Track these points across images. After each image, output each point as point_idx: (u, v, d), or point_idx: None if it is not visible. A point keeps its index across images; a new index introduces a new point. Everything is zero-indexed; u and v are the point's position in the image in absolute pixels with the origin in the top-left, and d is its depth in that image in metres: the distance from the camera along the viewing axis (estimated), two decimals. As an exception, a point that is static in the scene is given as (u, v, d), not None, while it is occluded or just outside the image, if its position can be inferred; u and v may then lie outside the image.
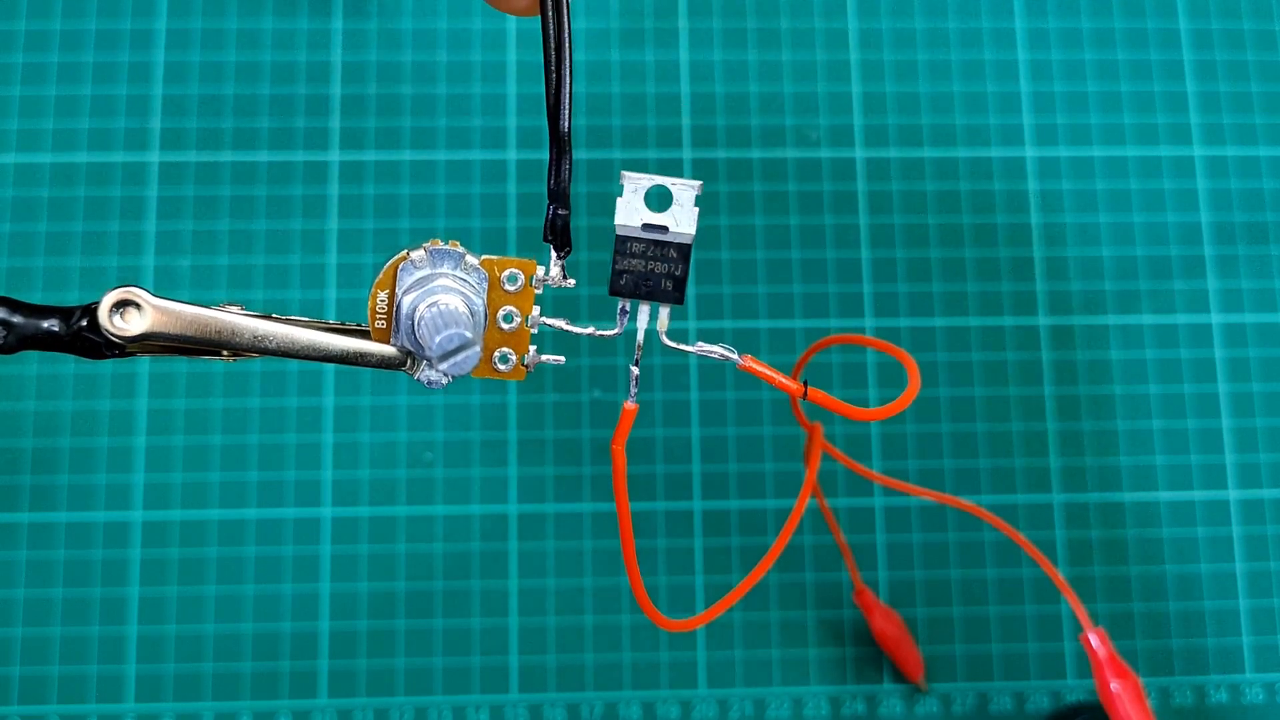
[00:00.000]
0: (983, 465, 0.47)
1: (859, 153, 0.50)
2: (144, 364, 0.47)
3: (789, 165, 0.49)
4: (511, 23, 0.50)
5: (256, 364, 0.47)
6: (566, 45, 0.25)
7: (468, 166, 0.49)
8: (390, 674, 0.45)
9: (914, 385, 0.27)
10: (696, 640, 0.46)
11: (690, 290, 0.48)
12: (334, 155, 0.49)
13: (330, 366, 0.47)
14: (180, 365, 0.47)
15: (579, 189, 0.49)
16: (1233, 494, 0.47)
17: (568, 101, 0.25)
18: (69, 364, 0.47)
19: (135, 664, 0.45)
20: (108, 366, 0.47)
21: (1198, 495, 0.47)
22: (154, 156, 0.48)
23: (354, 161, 0.49)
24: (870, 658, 0.46)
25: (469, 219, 0.48)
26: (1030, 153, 0.50)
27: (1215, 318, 0.49)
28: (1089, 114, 0.50)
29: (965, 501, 0.43)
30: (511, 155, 0.49)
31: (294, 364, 0.47)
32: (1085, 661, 0.46)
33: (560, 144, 0.25)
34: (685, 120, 0.50)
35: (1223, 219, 0.50)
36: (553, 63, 0.25)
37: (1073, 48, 0.51)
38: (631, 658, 0.46)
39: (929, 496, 0.45)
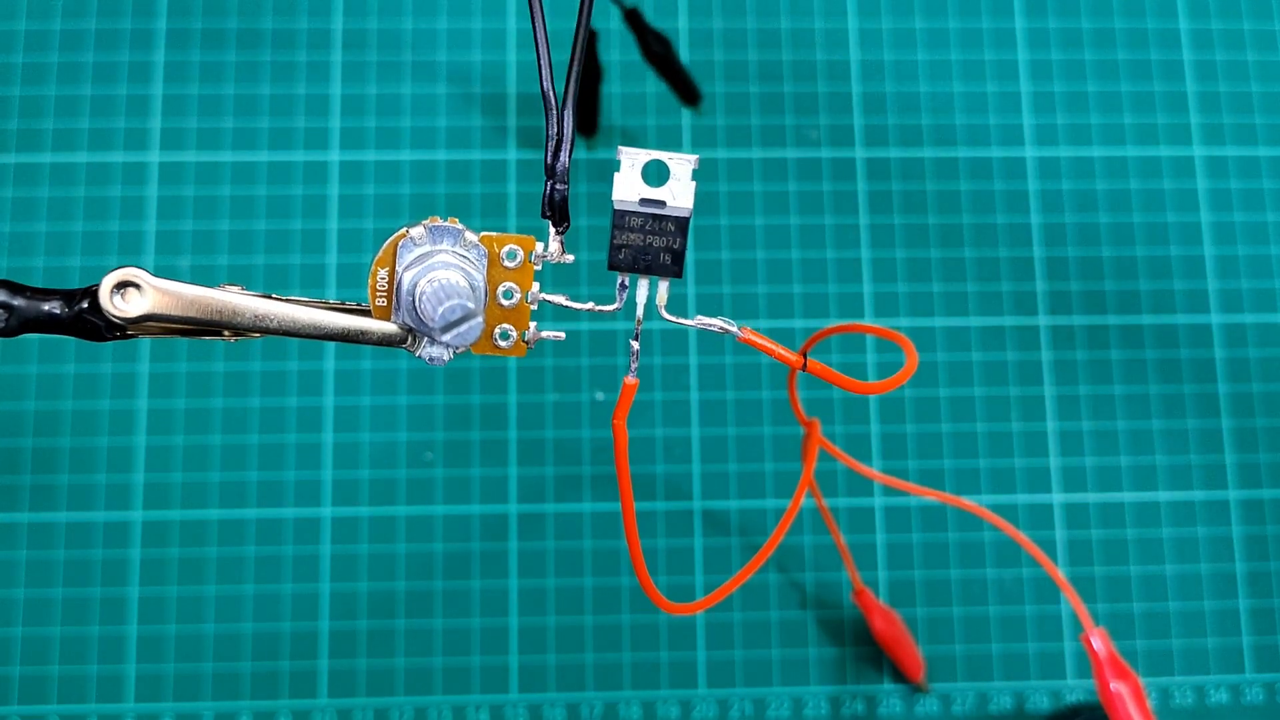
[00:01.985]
0: (982, 465, 0.47)
1: (859, 153, 0.50)
2: (144, 364, 0.47)
3: (789, 165, 0.49)
4: (512, 23, 0.50)
5: (256, 363, 0.47)
6: (539, 28, 0.25)
7: (468, 166, 0.49)
8: (390, 674, 0.45)
9: (911, 362, 0.27)
10: (696, 640, 0.46)
11: (690, 290, 0.48)
12: (334, 155, 0.49)
13: (330, 367, 0.47)
14: (180, 365, 0.47)
15: (579, 189, 0.49)
16: (1233, 494, 0.47)
17: (547, 72, 0.25)
18: (69, 364, 0.47)
19: (135, 664, 0.45)
20: (108, 366, 0.47)
21: (1197, 495, 0.47)
22: (154, 157, 0.48)
23: (354, 161, 0.49)
24: (870, 657, 0.46)
25: (469, 218, 0.47)
26: (1030, 153, 0.50)
27: (1215, 318, 0.49)
28: (1089, 114, 0.50)
29: (964, 500, 0.43)
30: (511, 155, 0.49)
31: (294, 364, 0.47)
32: (1085, 661, 0.46)
33: (558, 121, 0.25)
34: (686, 120, 0.50)
35: (1223, 219, 0.50)
36: (542, 43, 0.25)
37: (1073, 48, 0.51)
38: (631, 657, 0.46)
39: (927, 495, 0.45)
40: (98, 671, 0.45)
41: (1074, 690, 0.46)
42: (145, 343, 0.47)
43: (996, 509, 0.47)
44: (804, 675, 0.46)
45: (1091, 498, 0.47)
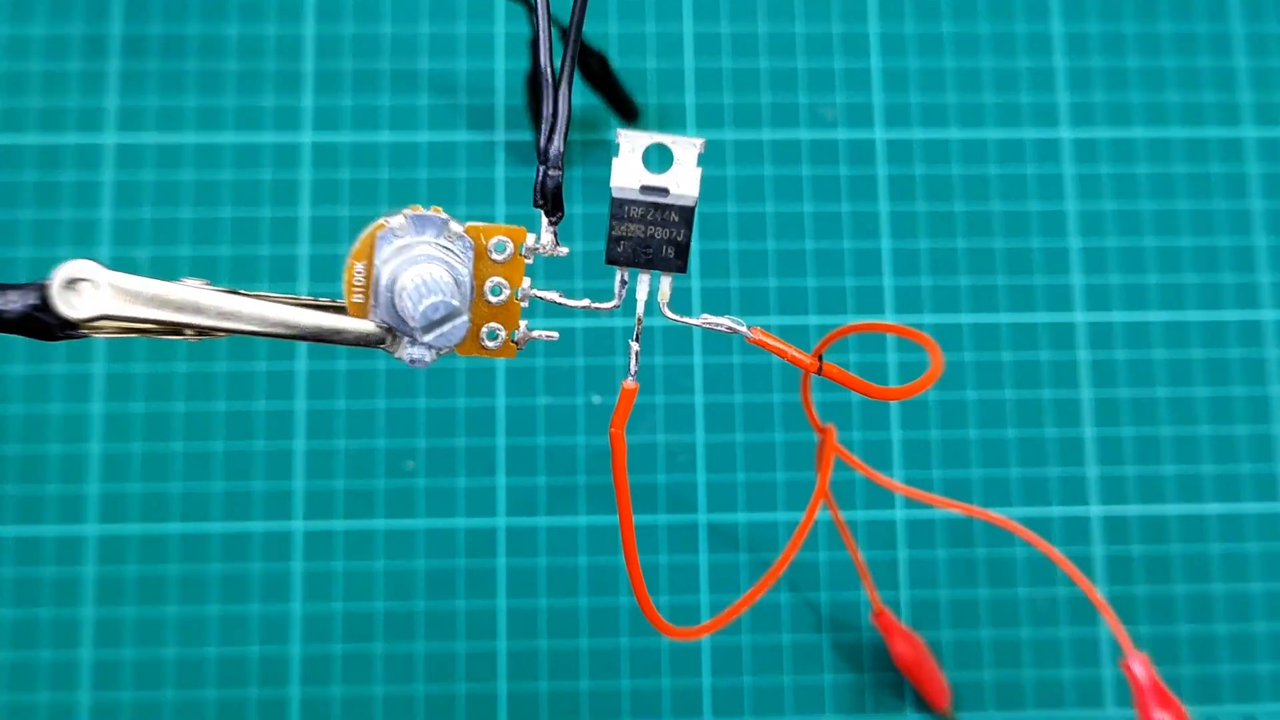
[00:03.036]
0: (1014, 475, 0.45)
1: (879, 133, 0.48)
2: (99, 364, 0.45)
3: (803, 147, 0.47)
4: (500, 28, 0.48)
5: (222, 364, 0.45)
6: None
7: (452, 149, 0.47)
8: (368, 703, 0.43)
9: (936, 366, 0.27)
10: (701, 665, 0.44)
11: (694, 284, 0.46)
12: (306, 136, 0.47)
13: (303, 368, 0.46)
14: (139, 366, 0.45)
15: (574, 173, 0.47)
16: (1285, 505, 0.46)
17: (546, 48, 0.24)
18: (18, 364, 0.45)
19: (90, 691, 0.43)
20: (59, 367, 0.45)
21: (1249, 507, 0.45)
22: (110, 138, 0.46)
23: (328, 144, 0.47)
24: (891, 684, 0.44)
25: (454, 207, 0.46)
26: (1066, 134, 0.48)
27: (1268, 313, 0.47)
28: (1129, 91, 0.48)
29: (994, 514, 0.42)
30: (499, 137, 0.47)
31: (262, 365, 0.45)
32: (1125, 689, 0.44)
33: (553, 100, 0.24)
34: (690, 98, 0.48)
35: (1276, 206, 0.47)
36: (544, 17, 0.25)
37: (1111, 19, 0.49)
38: (631, 684, 0.44)
39: (953, 508, 0.44)
40: (49, 700, 0.43)
41: (1113, 720, 0.44)
42: (100, 341, 0.45)
43: (1028, 523, 0.44)
44: (819, 704, 0.44)
45: (1133, 510, 0.45)
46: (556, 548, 0.44)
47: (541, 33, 0.25)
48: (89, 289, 0.22)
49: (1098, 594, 0.39)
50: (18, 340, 0.45)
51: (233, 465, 0.44)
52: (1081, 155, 0.47)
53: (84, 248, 0.45)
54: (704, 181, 0.23)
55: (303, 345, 0.45)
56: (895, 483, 0.43)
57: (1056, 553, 0.39)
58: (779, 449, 0.45)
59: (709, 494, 0.45)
